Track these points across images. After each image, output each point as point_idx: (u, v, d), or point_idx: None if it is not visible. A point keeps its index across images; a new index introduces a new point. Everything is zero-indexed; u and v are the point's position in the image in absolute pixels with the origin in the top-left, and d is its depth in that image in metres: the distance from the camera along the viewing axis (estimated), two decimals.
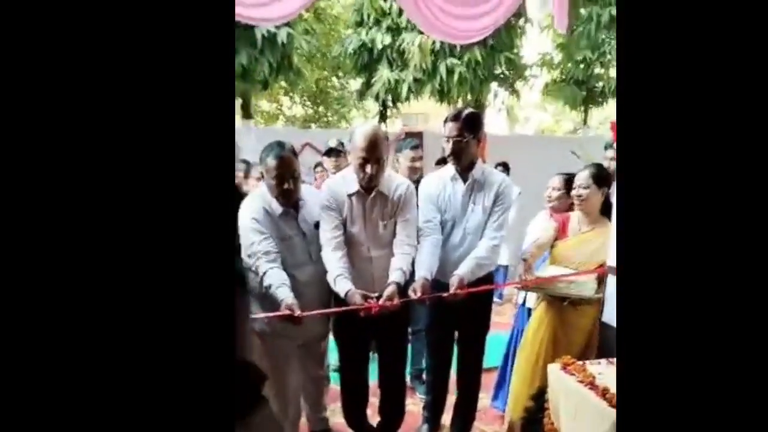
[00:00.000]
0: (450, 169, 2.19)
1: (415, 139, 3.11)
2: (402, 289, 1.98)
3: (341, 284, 1.92)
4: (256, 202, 1.97)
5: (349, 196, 2.01)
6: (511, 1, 2.18)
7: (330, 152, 2.91)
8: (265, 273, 1.89)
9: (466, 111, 2.14)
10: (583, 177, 2.18)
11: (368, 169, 1.93)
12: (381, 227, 2.02)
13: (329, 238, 1.98)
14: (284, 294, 1.85)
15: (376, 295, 1.94)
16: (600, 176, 2.16)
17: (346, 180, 2.04)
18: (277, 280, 1.87)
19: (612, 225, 2.14)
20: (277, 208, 1.99)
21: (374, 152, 1.92)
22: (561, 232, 2.27)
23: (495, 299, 5.06)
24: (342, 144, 2.91)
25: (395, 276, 1.98)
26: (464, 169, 2.15)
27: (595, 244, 2.15)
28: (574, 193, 2.19)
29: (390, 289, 1.93)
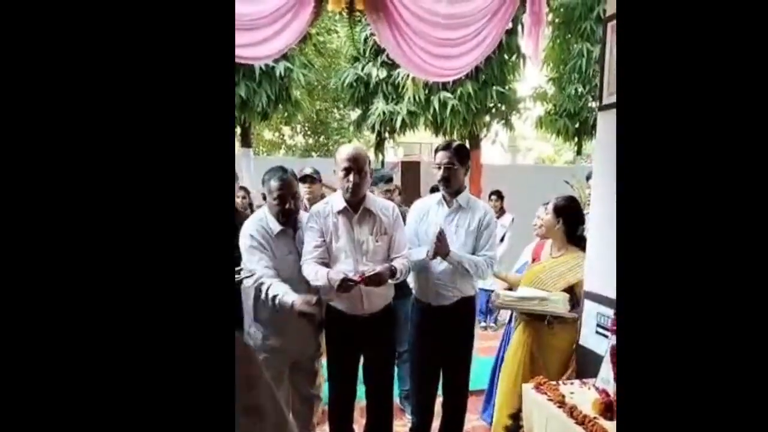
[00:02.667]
0: (438, 195, 2.41)
1: (389, 172, 3.32)
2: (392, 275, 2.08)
3: (324, 274, 2.00)
4: (255, 223, 2.14)
5: (337, 213, 2.12)
6: (489, 42, 2.34)
7: (304, 179, 3.01)
8: (269, 286, 2.01)
9: (456, 142, 2.40)
10: (543, 210, 2.36)
11: (351, 177, 2.05)
12: (371, 242, 2.12)
13: (309, 254, 2.10)
14: (292, 297, 1.97)
15: (363, 274, 2.01)
16: (559, 207, 2.30)
17: (333, 201, 2.17)
18: (281, 289, 2.00)
19: (582, 253, 2.26)
20: (276, 227, 2.14)
21: (356, 162, 2.06)
22: (535, 257, 2.40)
23: (490, 324, 5.13)
24: (317, 172, 3.07)
25: (394, 263, 2.12)
26: (451, 195, 2.34)
27: (563, 268, 2.26)
28: (534, 222, 2.36)
29: (379, 268, 2.04)
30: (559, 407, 1.71)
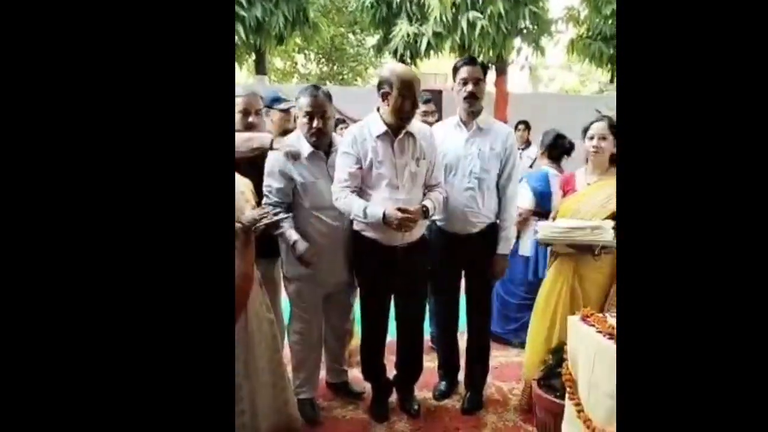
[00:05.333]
0: (454, 118, 2.25)
1: (427, 93, 3.05)
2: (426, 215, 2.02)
3: (373, 211, 1.93)
4: (286, 145, 2.02)
5: (378, 138, 1.99)
6: None
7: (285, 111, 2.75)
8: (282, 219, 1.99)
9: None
10: (600, 128, 2.13)
11: (407, 105, 1.95)
12: (413, 165, 2.02)
13: (343, 182, 1.99)
14: (294, 235, 1.98)
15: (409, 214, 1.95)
16: (613, 125, 2.11)
17: (371, 124, 2.03)
18: (287, 225, 2.00)
19: None
20: (306, 148, 2.02)
21: (412, 89, 1.96)
22: (567, 187, 2.24)
23: None
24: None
25: (425, 203, 2.04)
26: (472, 116, 2.19)
27: (605, 192, 2.10)
28: (590, 144, 2.14)
29: (417, 207, 1.97)
30: (610, 339, 1.63)
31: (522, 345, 2.61)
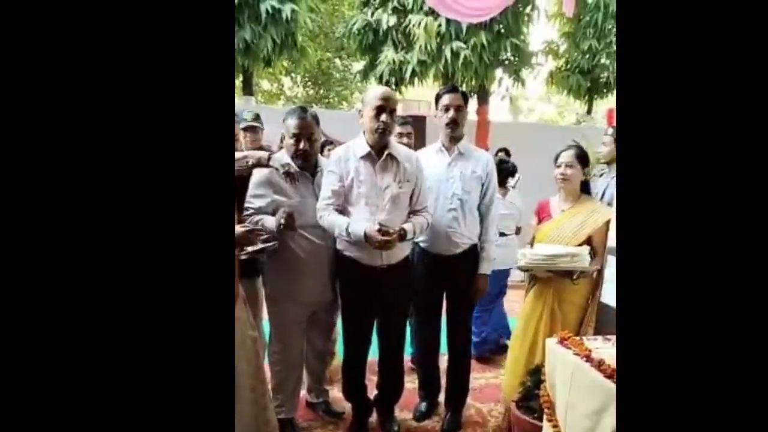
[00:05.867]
0: (436, 144, 2.36)
1: (405, 117, 3.15)
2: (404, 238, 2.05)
3: (355, 229, 1.97)
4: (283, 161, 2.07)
5: (360, 158, 2.05)
6: None
7: (247, 129, 2.83)
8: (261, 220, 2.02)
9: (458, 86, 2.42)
10: (567, 156, 2.24)
11: (384, 116, 2.00)
12: (395, 188, 2.06)
13: (327, 199, 2.04)
14: (271, 221, 1.99)
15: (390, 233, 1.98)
16: (581, 156, 2.24)
17: (355, 145, 2.09)
18: (268, 219, 2.01)
19: (594, 199, 2.26)
20: (294, 165, 2.07)
21: (389, 102, 2.02)
22: (543, 214, 2.34)
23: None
24: (258, 118, 2.81)
25: (405, 226, 2.08)
26: (453, 142, 2.30)
27: (578, 219, 2.21)
28: (558, 171, 2.26)
29: (396, 229, 2.01)
30: (586, 361, 1.68)
31: (478, 359, 2.68)
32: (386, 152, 2.07)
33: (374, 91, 2.05)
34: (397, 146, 2.14)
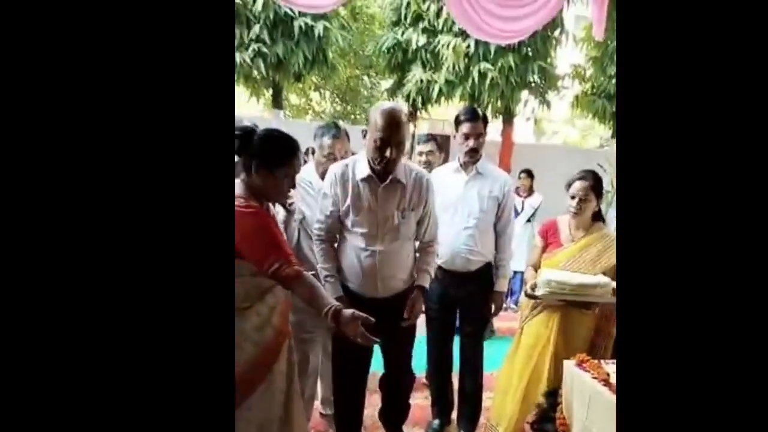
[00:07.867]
0: (453, 164, 2.37)
1: (429, 135, 3.02)
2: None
3: (331, 290, 1.78)
4: (302, 175, 2.00)
5: (361, 181, 1.79)
6: (553, 4, 2.23)
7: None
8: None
9: (478, 109, 2.37)
10: (581, 189, 2.13)
11: (387, 152, 1.69)
12: (397, 217, 1.82)
13: (321, 223, 1.87)
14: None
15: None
16: (596, 185, 2.15)
17: (356, 164, 1.83)
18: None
19: (607, 229, 2.19)
20: (319, 184, 2.04)
21: (395, 133, 1.69)
22: (551, 238, 2.26)
23: (511, 305, 5.07)
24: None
25: (422, 279, 1.92)
26: (471, 163, 2.30)
27: (594, 250, 2.14)
28: (571, 204, 2.15)
29: (416, 296, 1.89)
30: (604, 385, 1.68)
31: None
32: (390, 176, 1.79)
33: (380, 116, 1.69)
34: (405, 168, 1.85)
